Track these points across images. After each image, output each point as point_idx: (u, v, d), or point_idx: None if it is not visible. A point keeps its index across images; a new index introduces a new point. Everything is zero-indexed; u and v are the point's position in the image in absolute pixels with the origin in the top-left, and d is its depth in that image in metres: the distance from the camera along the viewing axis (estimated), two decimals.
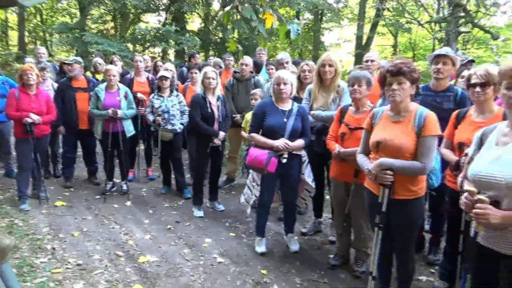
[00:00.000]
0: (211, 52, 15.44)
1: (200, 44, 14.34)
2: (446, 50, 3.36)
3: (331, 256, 3.59)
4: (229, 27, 2.61)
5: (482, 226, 1.85)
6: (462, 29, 13.47)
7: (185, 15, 15.38)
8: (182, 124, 5.17)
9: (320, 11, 17.76)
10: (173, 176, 5.54)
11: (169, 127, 5.09)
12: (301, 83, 4.21)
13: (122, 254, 3.61)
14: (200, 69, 5.78)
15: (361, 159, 2.73)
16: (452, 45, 13.93)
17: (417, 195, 2.52)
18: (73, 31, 13.95)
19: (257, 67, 6.01)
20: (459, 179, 2.19)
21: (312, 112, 3.76)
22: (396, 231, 2.59)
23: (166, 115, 5.07)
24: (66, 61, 5.73)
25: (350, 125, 3.15)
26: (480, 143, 2.03)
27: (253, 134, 3.62)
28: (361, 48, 17.99)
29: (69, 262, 3.41)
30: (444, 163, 2.87)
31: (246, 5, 1.73)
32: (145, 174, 6.14)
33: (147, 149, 6.16)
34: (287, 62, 5.17)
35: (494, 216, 1.75)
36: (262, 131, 3.58)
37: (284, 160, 3.51)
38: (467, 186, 1.96)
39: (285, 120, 3.52)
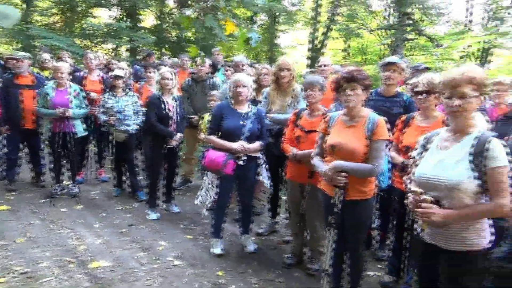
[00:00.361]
0: (166, 51, 15.14)
1: (154, 41, 14.02)
2: (395, 58, 3.56)
3: (287, 255, 3.68)
4: (185, 27, 2.59)
5: (426, 224, 2.00)
6: (408, 36, 14.28)
7: (139, 11, 14.97)
8: (136, 124, 5.05)
9: (275, 14, 18.00)
10: (126, 178, 5.39)
11: (123, 127, 4.96)
12: (259, 86, 4.27)
13: (72, 260, 3.46)
14: (156, 69, 5.69)
15: (316, 161, 2.83)
16: (399, 51, 14.70)
17: (368, 196, 2.66)
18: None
19: (214, 68, 6.01)
20: (406, 180, 2.34)
21: (270, 115, 3.83)
22: (348, 230, 2.71)
23: (119, 116, 4.93)
24: (12, 56, 5.36)
25: (305, 128, 3.25)
26: (425, 147, 2.18)
27: (211, 136, 3.62)
28: (315, 51, 18.50)
29: (13, 271, 3.22)
30: (393, 165, 3.04)
31: (209, 15, 1.74)
32: (96, 176, 5.92)
33: (98, 150, 5.94)
34: (244, 65, 5.21)
35: (436, 215, 1.90)
36: (220, 133, 3.60)
37: (242, 162, 3.55)
38: (413, 187, 2.11)
39: (242, 122, 3.56)
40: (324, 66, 4.83)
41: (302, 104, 3.73)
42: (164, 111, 4.40)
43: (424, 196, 1.97)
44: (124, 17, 14.55)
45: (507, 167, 1.85)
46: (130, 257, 3.59)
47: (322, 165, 2.73)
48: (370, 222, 2.89)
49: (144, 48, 11.64)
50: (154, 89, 4.65)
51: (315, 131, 3.12)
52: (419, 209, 1.95)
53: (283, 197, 4.39)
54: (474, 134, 1.96)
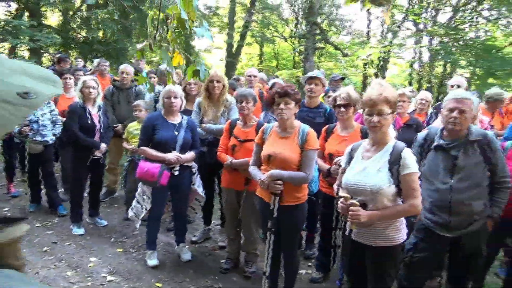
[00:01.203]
0: (73, 52, 14.12)
1: (60, 42, 12.99)
2: (317, 73, 3.91)
3: (223, 260, 3.81)
4: (138, 58, 2.54)
5: (354, 225, 2.30)
6: (318, 45, 15.36)
7: (42, 8, 13.75)
8: (54, 135, 4.74)
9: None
10: (43, 191, 5.02)
11: (39, 138, 4.62)
12: (187, 95, 4.33)
13: None
14: (73, 74, 5.39)
15: (253, 170, 3.02)
16: (310, 58, 15.71)
17: (301, 201, 2.92)
18: None
19: (137, 74, 5.88)
20: (335, 186, 2.65)
21: (203, 125, 3.92)
22: (284, 233, 2.94)
23: (35, 126, 4.58)
24: None
25: (240, 138, 3.42)
26: (350, 157, 2.50)
27: (144, 148, 3.60)
28: (231, 55, 18.82)
29: None
30: (319, 171, 3.36)
31: (163, 46, 1.80)
32: (5, 191, 5.40)
33: (7, 163, 5.42)
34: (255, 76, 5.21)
35: (363, 216, 2.21)
36: (152, 144, 3.60)
37: (176, 173, 3.59)
38: (342, 193, 2.40)
39: (175, 133, 3.60)
40: (252, 76, 5.06)
41: (235, 114, 3.90)
42: (88, 121, 4.22)
43: (352, 201, 2.26)
44: (24, 13, 13.26)
45: (417, 172, 2.23)
46: (58, 277, 3.40)
47: (259, 174, 2.92)
48: (303, 225, 3.16)
49: (54, 50, 10.73)
50: (76, 98, 4.42)
51: (249, 140, 3.30)
52: (349, 212, 2.24)
53: (216, 204, 4.51)
54: (390, 145, 2.31)
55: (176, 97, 3.57)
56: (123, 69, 5.11)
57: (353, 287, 2.55)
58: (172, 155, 3.51)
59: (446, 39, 16.91)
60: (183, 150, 3.62)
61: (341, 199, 2.33)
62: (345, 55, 15.37)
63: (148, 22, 1.79)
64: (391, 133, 3.11)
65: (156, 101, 5.05)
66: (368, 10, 20.28)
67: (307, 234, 4.14)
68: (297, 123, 2.96)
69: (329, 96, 4.31)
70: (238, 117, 3.57)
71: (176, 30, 1.82)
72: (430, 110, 4.71)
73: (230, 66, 18.41)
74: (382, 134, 2.32)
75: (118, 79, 5.30)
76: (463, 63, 17.23)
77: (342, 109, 3.24)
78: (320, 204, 3.49)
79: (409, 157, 2.23)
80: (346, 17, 18.57)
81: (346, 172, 2.44)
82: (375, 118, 2.26)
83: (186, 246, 3.99)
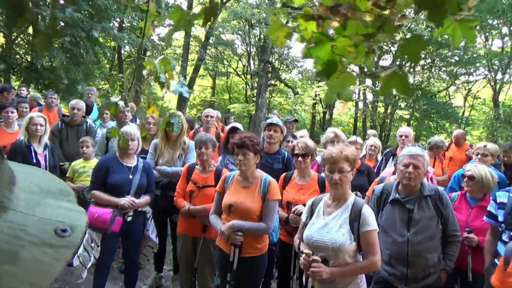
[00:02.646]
0: (14, 78, 13.33)
1: (3, 67, 12.21)
2: (277, 120, 4.00)
3: None
4: (112, 113, 2.47)
5: (316, 281, 2.30)
6: (270, 82, 15.83)
7: None
8: None
9: (143, 48, 17.78)
10: None
11: None
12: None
13: None
14: (17, 108, 5.08)
15: (213, 219, 2.95)
16: (262, 94, 16.09)
17: (261, 251, 2.89)
18: None
19: (87, 108, 5.64)
20: (296, 240, 2.65)
21: (158, 167, 3.81)
22: (244, 284, 2.86)
23: None
24: None
25: (198, 183, 3.36)
26: (311, 211, 2.53)
27: (95, 192, 3.40)
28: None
29: None
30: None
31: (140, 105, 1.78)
32: None
33: None
34: (128, 111, 5.06)
35: (325, 273, 2.22)
36: (105, 187, 3.42)
37: (129, 218, 3.42)
38: (303, 248, 2.41)
39: (130, 176, 3.46)
40: (208, 116, 5.06)
41: (192, 158, 3.84)
42: (32, 160, 3.94)
43: (314, 257, 2.27)
44: None
45: (377, 230, 2.31)
46: None
47: (220, 223, 2.87)
48: (262, 276, 3.09)
49: None
50: (18, 133, 4.14)
51: (208, 186, 3.25)
52: (311, 269, 2.25)
53: (168, 248, 4.33)
54: (350, 201, 2.38)
55: (132, 140, 3.46)
56: (74, 104, 4.88)
57: None
58: (126, 200, 3.35)
59: None
60: (137, 194, 3.47)
61: (303, 255, 2.33)
62: (296, 93, 15.95)
63: (125, 78, 1.76)
64: None
65: (107, 138, 4.85)
66: None
67: (265, 279, 4.07)
68: (259, 173, 2.97)
69: (288, 141, 4.40)
70: (196, 162, 3.52)
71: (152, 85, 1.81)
72: (379, 156, 4.96)
73: (183, 98, 18.33)
74: (342, 191, 2.39)
75: (67, 114, 5.04)
76: (402, 105, 18.51)
77: (300, 158, 3.31)
78: (278, 251, 3.47)
79: (369, 214, 2.31)
80: (296, 57, 19.37)
81: (308, 227, 2.46)
82: (336, 176, 2.33)
83: None
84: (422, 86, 19.34)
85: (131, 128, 3.55)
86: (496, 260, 2.72)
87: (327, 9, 1.01)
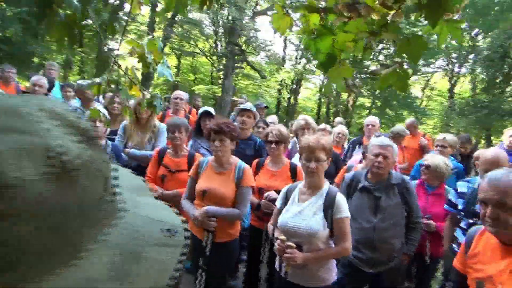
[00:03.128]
0: None
1: None
2: (250, 105, 3.99)
3: None
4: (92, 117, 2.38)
5: (289, 266, 2.37)
6: (238, 64, 15.69)
7: None
8: None
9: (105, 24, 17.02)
10: None
11: None
12: (110, 114, 4.08)
13: None
14: None
15: (186, 204, 2.93)
16: (229, 77, 15.96)
17: (234, 237, 2.92)
18: None
19: (49, 85, 5.36)
20: (270, 226, 2.70)
21: (126, 150, 3.71)
22: (215, 270, 2.89)
23: None
24: None
25: (171, 168, 3.31)
26: (286, 198, 2.58)
27: None
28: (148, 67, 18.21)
29: None
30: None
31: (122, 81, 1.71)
32: None
33: None
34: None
35: (299, 258, 2.29)
36: None
37: None
38: (278, 234, 2.46)
39: None
40: (178, 99, 4.96)
41: (162, 142, 3.77)
42: None
43: (289, 243, 2.33)
44: None
45: (349, 217, 2.39)
46: None
47: (193, 209, 2.86)
48: (234, 261, 3.13)
49: None
50: None
51: (180, 171, 3.22)
52: (285, 254, 2.30)
53: None
54: (324, 189, 2.45)
55: (101, 121, 3.34)
56: (35, 81, 4.61)
57: None
58: None
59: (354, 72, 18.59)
60: None
61: (278, 241, 2.38)
62: (263, 77, 15.93)
63: (109, 58, 1.69)
64: None
65: None
66: (285, 37, 21.39)
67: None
68: (234, 159, 2.98)
69: (259, 127, 4.41)
70: (167, 145, 3.47)
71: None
72: (346, 144, 5.11)
73: (146, 77, 17.81)
74: (318, 179, 2.45)
75: (27, 90, 4.77)
76: (364, 92, 19.02)
77: (273, 145, 3.35)
78: (248, 235, 3.52)
79: (342, 202, 2.39)
80: (264, 40, 19.28)
81: (283, 214, 2.51)
82: (312, 164, 2.38)
83: None
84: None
85: (100, 109, 3.42)
86: (453, 245, 2.92)
87: (345, 5, 1.01)
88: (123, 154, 3.68)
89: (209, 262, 2.83)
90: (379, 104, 20.17)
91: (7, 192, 0.34)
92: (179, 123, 3.35)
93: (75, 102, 5.17)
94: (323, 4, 1.09)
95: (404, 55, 1.12)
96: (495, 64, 12.30)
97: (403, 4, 0.99)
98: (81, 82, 4.91)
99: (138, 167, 3.73)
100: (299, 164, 3.53)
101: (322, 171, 2.45)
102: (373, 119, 5.13)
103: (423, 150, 5.44)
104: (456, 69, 21.35)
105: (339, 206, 2.37)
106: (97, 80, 1.80)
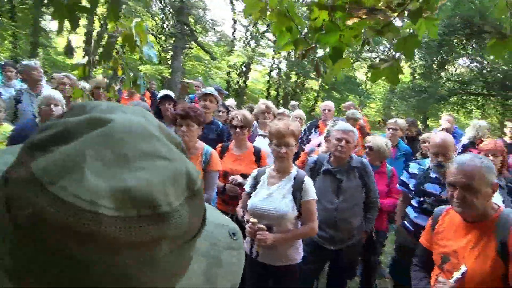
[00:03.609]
0: None
1: None
2: (211, 89, 3.96)
3: None
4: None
5: (260, 247, 2.45)
6: (187, 45, 15.33)
7: None
8: None
9: None
10: None
11: None
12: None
13: None
14: None
15: None
16: (179, 57, 15.58)
17: None
18: None
19: None
20: (239, 210, 2.75)
21: None
22: None
23: None
24: None
25: None
26: (255, 182, 2.65)
27: None
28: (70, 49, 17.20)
29: None
30: None
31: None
32: None
33: None
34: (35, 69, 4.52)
35: (269, 239, 2.38)
36: None
37: None
38: (247, 217, 2.53)
39: None
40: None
41: None
42: None
43: (260, 225, 2.41)
44: None
45: (315, 199, 2.51)
46: None
47: None
48: None
49: None
50: None
51: None
52: (257, 236, 2.38)
53: None
54: (293, 173, 2.55)
55: (57, 105, 3.16)
56: None
57: None
58: None
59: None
60: None
61: (249, 224, 2.45)
62: (214, 59, 15.72)
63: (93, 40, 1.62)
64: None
65: (17, 101, 4.33)
66: (234, 20, 21.17)
67: None
68: (201, 144, 2.98)
69: (219, 111, 4.41)
70: None
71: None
72: (303, 127, 5.26)
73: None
74: (287, 163, 2.54)
75: None
76: (313, 75, 19.48)
77: (238, 130, 3.38)
78: None
79: (310, 185, 2.50)
80: (214, 20, 18.97)
81: (253, 197, 2.58)
82: (282, 150, 2.46)
83: None
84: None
85: (55, 92, 3.23)
86: (405, 222, 3.17)
87: (367, 11, 1.07)
88: None
89: None
90: (326, 87, 20.80)
91: (160, 219, 0.36)
92: (145, 108, 3.27)
93: (17, 83, 4.82)
94: (329, 2, 1.14)
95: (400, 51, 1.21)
96: (433, 51, 13.18)
97: (405, 8, 1.07)
98: (25, 62, 4.56)
99: None
100: (262, 148, 3.62)
101: (292, 156, 2.54)
102: (329, 104, 5.31)
103: (362, 132, 5.73)
104: (397, 55, 22.44)
105: (307, 189, 2.48)
106: (82, 61, 1.71)
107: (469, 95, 14.16)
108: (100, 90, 3.57)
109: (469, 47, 13.31)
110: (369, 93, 22.56)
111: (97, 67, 1.68)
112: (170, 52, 16.97)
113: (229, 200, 3.36)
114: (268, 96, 23.93)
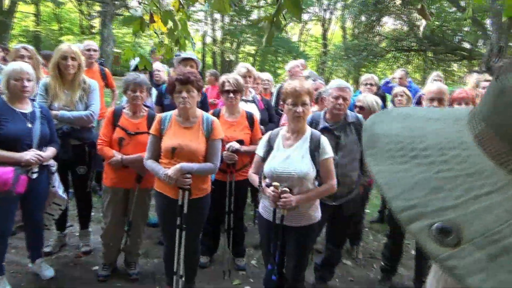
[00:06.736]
0: None
1: None
2: (191, 54, 3.72)
3: (96, 267, 3.33)
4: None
5: (286, 210, 2.44)
6: (116, 11, 14.16)
7: None
8: None
9: None
10: None
11: None
12: None
13: None
14: None
15: (152, 164, 2.71)
16: (108, 25, 14.41)
17: (207, 192, 2.85)
18: None
19: None
20: (253, 175, 2.68)
21: (54, 112, 3.17)
22: (192, 226, 2.79)
23: None
24: None
25: (129, 130, 2.98)
26: (269, 145, 2.59)
27: None
28: (2, 13, 15.24)
29: None
30: None
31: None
32: None
33: None
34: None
35: (293, 201, 2.37)
36: None
37: (35, 175, 2.85)
38: (267, 181, 2.48)
39: (29, 125, 2.82)
40: (90, 50, 4.35)
41: (96, 99, 3.34)
42: None
43: (284, 188, 2.39)
44: None
45: (333, 156, 2.53)
46: None
47: (161, 168, 2.66)
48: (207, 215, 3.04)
49: None
50: None
51: (140, 133, 2.94)
52: (282, 200, 2.36)
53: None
54: (308, 133, 2.53)
55: (29, 80, 2.77)
56: None
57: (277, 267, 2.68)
58: (31, 155, 2.75)
59: (237, 18, 18.47)
60: (41, 146, 2.89)
61: (271, 188, 2.41)
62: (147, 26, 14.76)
63: None
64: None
65: None
66: None
67: None
68: (200, 112, 2.82)
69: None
70: (123, 106, 3.09)
71: None
72: (273, 90, 5.21)
73: (2, 27, 14.89)
74: (303, 123, 2.51)
75: None
76: (252, 41, 19.31)
77: (231, 95, 3.25)
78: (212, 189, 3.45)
79: (326, 144, 2.51)
80: None
81: (269, 161, 2.53)
82: (299, 109, 2.42)
83: (45, 261, 3.27)
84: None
85: (24, 65, 2.82)
86: None
87: None
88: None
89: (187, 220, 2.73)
90: (262, 50, 20.74)
91: None
92: (140, 81, 2.99)
93: None
94: None
95: None
96: (369, 9, 13.63)
97: None
98: None
99: (72, 130, 3.26)
100: (255, 113, 3.55)
101: (308, 115, 2.51)
102: (296, 62, 5.28)
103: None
104: (327, 16, 22.96)
105: (324, 148, 2.49)
106: (137, 12, 1.47)
107: (402, 51, 15.06)
108: (68, 61, 3.18)
109: (399, 5, 13.95)
110: (304, 55, 22.95)
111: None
112: (98, 19, 15.62)
113: (227, 168, 3.28)
114: (203, 65, 23.30)
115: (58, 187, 3.15)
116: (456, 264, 0.30)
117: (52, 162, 3.07)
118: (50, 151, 2.95)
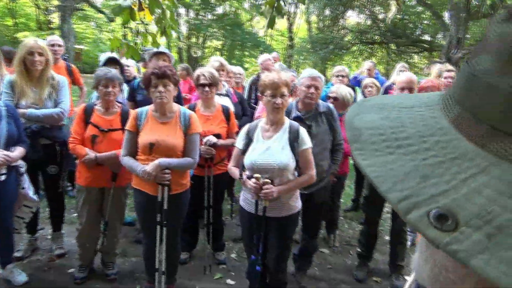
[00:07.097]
0: None
1: None
2: (164, 48, 3.65)
3: (71, 270, 3.23)
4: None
5: (267, 201, 2.46)
6: (76, 6, 13.66)
7: None
8: None
9: None
10: None
11: None
12: None
13: None
14: None
15: (129, 161, 2.66)
16: (68, 20, 13.89)
17: (186, 187, 2.82)
18: None
19: None
20: (233, 168, 2.68)
21: (22, 110, 3.03)
22: (172, 222, 2.76)
23: None
24: None
25: (101, 127, 2.89)
26: (248, 138, 2.60)
27: None
28: None
29: None
30: None
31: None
32: None
33: None
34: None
35: (275, 192, 2.40)
36: None
37: (3, 177, 2.73)
38: (248, 173, 2.49)
39: None
40: (55, 45, 4.17)
41: (65, 96, 3.22)
42: None
43: (265, 180, 2.40)
44: None
45: (311, 147, 2.57)
46: None
47: (139, 165, 2.61)
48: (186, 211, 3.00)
49: None
50: None
51: (114, 130, 2.87)
52: (263, 191, 2.37)
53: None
54: (287, 124, 2.55)
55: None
56: None
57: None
58: None
59: (202, 13, 18.23)
60: (8, 146, 2.75)
61: (253, 180, 2.41)
62: (111, 20, 14.33)
63: None
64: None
65: None
66: None
67: None
68: (176, 107, 2.79)
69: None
70: (94, 102, 2.98)
71: None
72: (245, 84, 5.21)
73: None
74: (282, 114, 2.53)
75: None
76: (218, 35, 19.14)
77: (206, 88, 3.23)
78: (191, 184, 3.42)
79: (305, 134, 2.55)
80: None
81: (249, 153, 2.53)
82: (279, 100, 2.44)
83: (15, 266, 3.13)
84: (232, 17, 20.27)
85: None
86: None
87: None
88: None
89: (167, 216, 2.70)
90: (229, 45, 20.63)
91: None
92: (111, 76, 2.89)
93: None
94: None
95: None
96: (334, 3, 13.86)
97: None
98: None
99: (42, 129, 3.13)
100: (230, 107, 3.54)
101: (286, 106, 2.53)
102: (268, 56, 5.30)
103: None
104: (292, 10, 23.08)
105: (303, 138, 2.52)
106: (125, 2, 1.41)
107: (366, 44, 15.45)
108: (35, 56, 3.04)
109: None
110: (272, 49, 23.03)
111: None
112: (57, 14, 15.00)
113: (205, 162, 3.26)
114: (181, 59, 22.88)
115: (28, 188, 3.02)
116: (457, 248, 0.30)
117: (21, 163, 2.94)
118: (18, 151, 2.82)
